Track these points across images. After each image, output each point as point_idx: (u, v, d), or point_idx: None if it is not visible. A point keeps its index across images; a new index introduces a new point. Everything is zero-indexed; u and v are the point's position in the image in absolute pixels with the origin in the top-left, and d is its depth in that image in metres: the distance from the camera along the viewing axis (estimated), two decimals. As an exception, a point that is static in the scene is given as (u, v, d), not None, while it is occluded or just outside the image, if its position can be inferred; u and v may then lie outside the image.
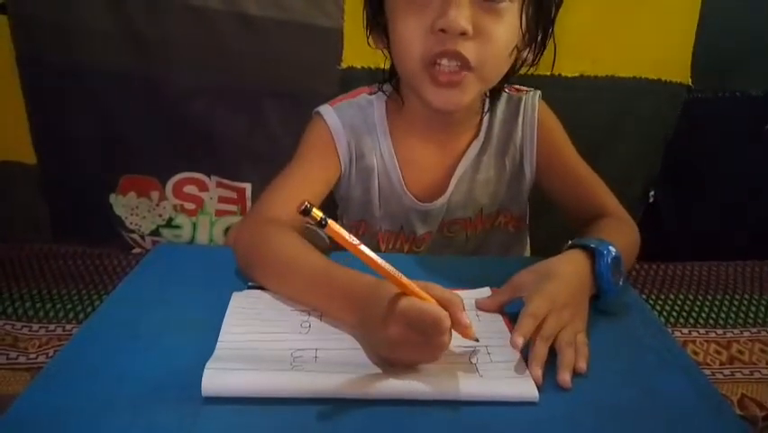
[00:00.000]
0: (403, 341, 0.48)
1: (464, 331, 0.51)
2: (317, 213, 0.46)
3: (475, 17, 0.64)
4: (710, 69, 1.23)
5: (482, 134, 0.81)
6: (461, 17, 0.63)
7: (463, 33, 0.64)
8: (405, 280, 0.49)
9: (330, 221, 0.46)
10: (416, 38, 0.66)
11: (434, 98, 0.69)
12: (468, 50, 0.65)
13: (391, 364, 0.50)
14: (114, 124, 1.21)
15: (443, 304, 0.48)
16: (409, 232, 0.84)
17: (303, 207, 0.45)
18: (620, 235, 0.69)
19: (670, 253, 1.35)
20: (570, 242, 0.65)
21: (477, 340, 0.52)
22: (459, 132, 0.81)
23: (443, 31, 0.64)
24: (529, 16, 0.68)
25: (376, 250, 0.49)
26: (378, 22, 0.73)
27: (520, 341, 0.51)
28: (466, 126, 0.81)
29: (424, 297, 0.49)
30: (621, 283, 0.62)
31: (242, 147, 1.25)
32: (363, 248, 0.48)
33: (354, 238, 0.48)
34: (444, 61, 0.66)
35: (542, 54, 0.74)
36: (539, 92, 0.83)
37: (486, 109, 0.81)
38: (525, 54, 0.73)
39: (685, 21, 1.20)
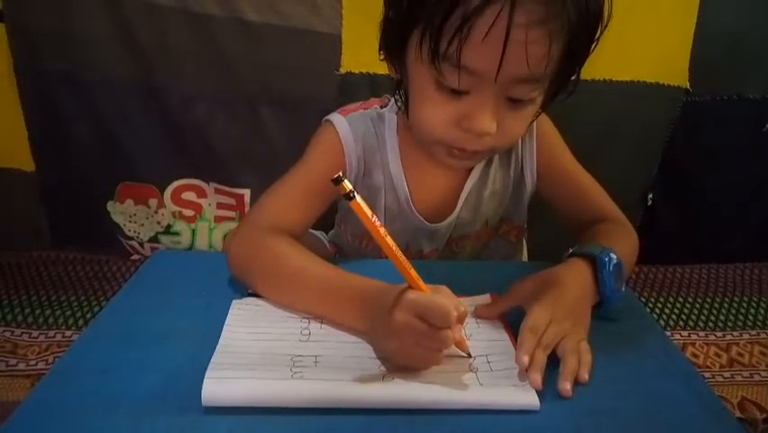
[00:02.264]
0: (408, 328, 0.49)
1: (459, 343, 0.52)
2: (347, 185, 0.47)
3: (499, 115, 0.61)
4: (708, 73, 1.24)
5: None
6: (489, 122, 0.61)
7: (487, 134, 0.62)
8: (414, 273, 0.50)
9: (357, 196, 0.48)
10: (438, 124, 0.63)
11: (446, 161, 0.69)
12: (486, 143, 0.64)
13: (395, 364, 0.51)
14: (113, 131, 1.21)
15: None
16: (416, 251, 0.83)
17: (335, 177, 0.47)
18: (620, 240, 0.69)
19: (668, 256, 1.35)
20: (570, 250, 0.65)
21: (469, 355, 0.53)
22: None
23: (467, 130, 0.62)
24: (551, 93, 0.66)
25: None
26: (394, 56, 0.67)
27: (526, 360, 0.51)
28: None
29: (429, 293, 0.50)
30: (623, 289, 0.62)
31: (241, 153, 1.25)
32: (383, 231, 0.49)
33: (377, 220, 0.49)
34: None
35: None
36: None
37: None
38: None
39: (683, 24, 1.21)
